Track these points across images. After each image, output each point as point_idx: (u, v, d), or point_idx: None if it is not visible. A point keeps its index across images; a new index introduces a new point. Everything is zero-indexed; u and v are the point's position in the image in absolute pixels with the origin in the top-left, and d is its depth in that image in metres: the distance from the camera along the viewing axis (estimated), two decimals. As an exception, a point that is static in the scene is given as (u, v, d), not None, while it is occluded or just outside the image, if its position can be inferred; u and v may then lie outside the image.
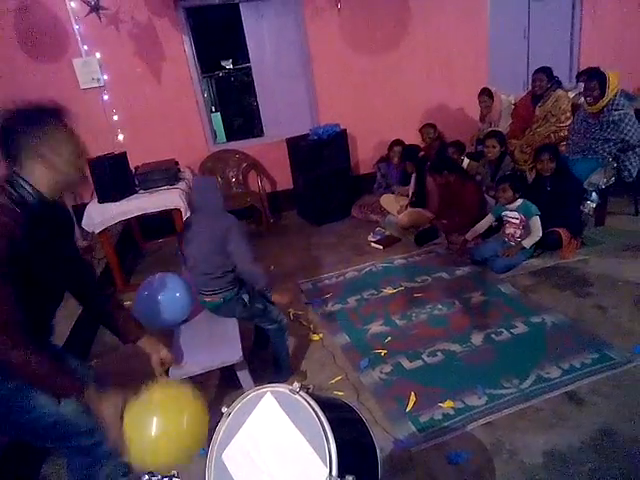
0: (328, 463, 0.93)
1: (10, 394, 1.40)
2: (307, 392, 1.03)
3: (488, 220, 3.70)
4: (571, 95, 4.76)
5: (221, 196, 2.34)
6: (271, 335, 2.52)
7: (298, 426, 0.99)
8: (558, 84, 4.47)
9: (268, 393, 1.05)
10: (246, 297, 2.37)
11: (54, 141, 1.39)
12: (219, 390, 2.60)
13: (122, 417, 1.35)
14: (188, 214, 3.90)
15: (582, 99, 4.08)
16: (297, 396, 1.01)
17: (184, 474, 1.27)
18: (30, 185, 1.37)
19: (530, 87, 4.62)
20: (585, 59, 5.66)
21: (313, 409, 0.98)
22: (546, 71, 4.41)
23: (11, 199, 1.34)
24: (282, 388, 1.04)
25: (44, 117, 1.40)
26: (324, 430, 0.96)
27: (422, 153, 4.67)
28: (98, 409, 1.38)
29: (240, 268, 2.28)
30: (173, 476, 1.19)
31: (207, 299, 2.36)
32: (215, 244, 2.23)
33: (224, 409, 1.10)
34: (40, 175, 1.38)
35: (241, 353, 2.12)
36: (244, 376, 2.20)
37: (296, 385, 1.02)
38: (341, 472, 0.93)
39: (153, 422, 1.31)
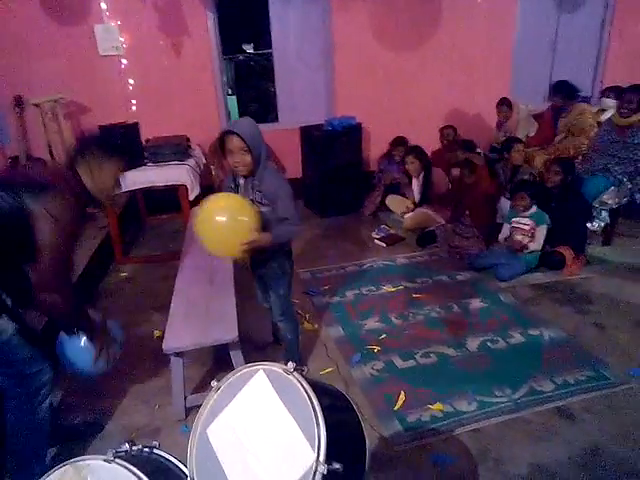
0: (316, 448, 0.90)
1: None
2: (301, 374, 1.00)
3: (506, 230, 3.65)
4: (593, 111, 4.71)
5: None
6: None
7: (288, 407, 0.96)
8: (584, 98, 4.42)
9: (261, 371, 1.02)
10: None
11: (104, 173, 1.77)
12: (211, 370, 2.59)
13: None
14: (195, 191, 3.88)
15: (605, 115, 4.03)
16: (290, 377, 0.98)
17: (165, 446, 1.25)
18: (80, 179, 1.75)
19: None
20: (610, 76, 5.59)
21: (306, 392, 0.96)
22: (560, 88, 4.38)
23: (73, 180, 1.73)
24: (276, 367, 1.01)
25: (111, 154, 1.79)
26: (315, 414, 0.93)
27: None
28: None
29: None
30: (154, 447, 1.17)
31: None
32: None
33: (214, 383, 1.08)
34: (84, 178, 1.75)
35: (237, 333, 2.09)
36: (237, 356, 2.17)
37: (290, 365, 0.99)
38: (328, 459, 0.90)
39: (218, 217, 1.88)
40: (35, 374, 1.76)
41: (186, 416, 2.25)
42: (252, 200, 2.09)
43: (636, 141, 3.66)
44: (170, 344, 2.06)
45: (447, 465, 1.97)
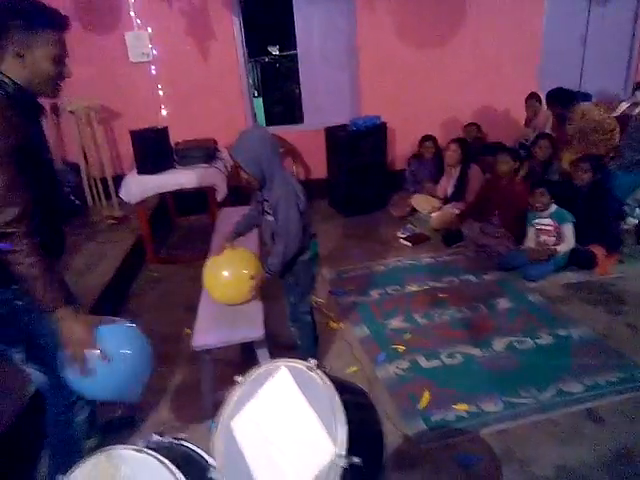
0: (337, 443, 0.93)
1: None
2: (323, 371, 1.03)
3: (531, 234, 3.58)
4: (625, 105, 4.59)
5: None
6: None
7: (310, 402, 1.00)
8: (584, 97, 4.31)
9: (283, 367, 1.06)
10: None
11: (32, 44, 1.39)
12: (239, 368, 2.64)
13: (93, 340, 1.40)
14: (223, 193, 3.97)
15: (638, 109, 3.91)
16: (312, 373, 1.01)
17: (194, 440, 1.30)
18: (7, 77, 1.39)
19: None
20: (644, 70, 5.42)
21: (327, 388, 0.98)
22: (555, 98, 4.32)
23: None
24: (298, 364, 1.04)
25: (39, 18, 1.40)
26: (336, 410, 0.96)
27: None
28: (70, 328, 1.40)
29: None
30: (182, 439, 1.22)
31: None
32: None
33: (238, 378, 1.12)
34: (15, 71, 1.40)
35: (263, 331, 2.14)
36: (263, 354, 2.22)
37: (312, 362, 1.02)
38: (348, 453, 0.93)
39: (224, 269, 2.19)
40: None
41: (215, 412, 2.31)
42: (264, 210, 2.20)
43: None
44: (199, 341, 2.13)
45: (471, 465, 1.97)
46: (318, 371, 1.02)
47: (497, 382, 2.41)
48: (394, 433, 2.13)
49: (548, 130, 4.67)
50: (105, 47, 4.54)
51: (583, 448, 2.01)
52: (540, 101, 4.74)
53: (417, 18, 4.94)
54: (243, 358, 2.65)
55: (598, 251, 3.41)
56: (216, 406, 2.27)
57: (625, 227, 3.74)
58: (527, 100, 4.78)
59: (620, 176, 3.78)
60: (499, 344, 2.71)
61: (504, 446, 2.04)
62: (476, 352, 2.66)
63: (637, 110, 4.31)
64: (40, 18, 1.39)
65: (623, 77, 5.65)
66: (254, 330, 2.14)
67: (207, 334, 2.16)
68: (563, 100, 4.28)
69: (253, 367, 1.16)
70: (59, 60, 1.46)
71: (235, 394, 1.10)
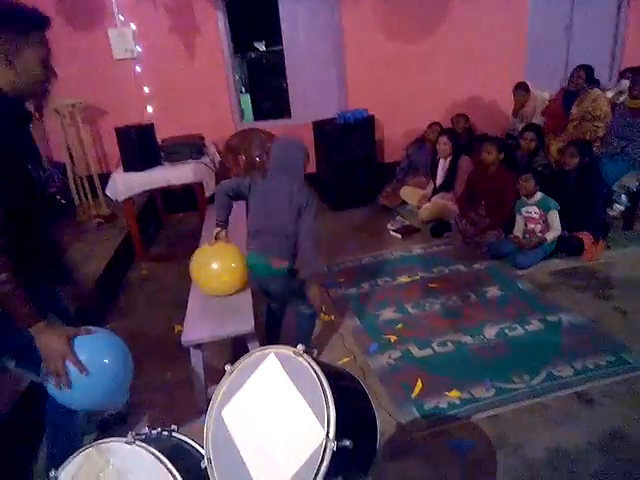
0: (326, 426, 0.93)
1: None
2: (311, 356, 1.03)
3: (520, 222, 3.61)
4: (610, 94, 4.62)
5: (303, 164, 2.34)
6: (302, 319, 2.52)
7: (299, 388, 0.99)
8: (596, 84, 4.35)
9: (272, 354, 1.05)
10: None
11: (23, 47, 1.36)
12: (230, 360, 2.63)
13: (70, 351, 1.34)
14: (211, 189, 3.94)
15: (622, 97, 3.94)
16: (300, 358, 1.01)
17: (183, 429, 1.30)
18: None
19: (566, 83, 4.49)
20: (628, 58, 5.46)
21: (315, 372, 0.98)
22: (587, 69, 4.30)
23: None
24: (286, 349, 1.04)
25: (22, 21, 1.37)
26: (325, 393, 0.96)
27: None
28: (46, 341, 1.34)
29: (301, 238, 2.25)
30: (172, 430, 1.22)
31: (276, 263, 2.27)
32: (295, 209, 2.23)
33: (227, 367, 1.11)
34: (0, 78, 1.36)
35: (253, 324, 2.13)
36: (254, 348, 2.21)
37: (300, 348, 1.02)
38: (338, 436, 0.93)
39: (212, 261, 2.26)
40: None
41: (207, 407, 2.30)
42: None
43: None
44: (188, 336, 2.12)
45: (465, 451, 1.98)
46: (306, 356, 1.01)
47: (489, 368, 2.43)
48: (388, 422, 2.14)
49: (537, 119, 4.69)
50: (88, 44, 4.49)
51: (575, 430, 2.02)
52: (528, 90, 4.76)
53: (402, 12, 4.94)
54: (236, 353, 2.64)
55: (585, 238, 3.44)
56: (209, 400, 2.30)
57: (612, 213, 3.78)
58: (515, 90, 4.79)
59: (606, 163, 3.81)
60: (490, 331, 2.73)
61: (497, 431, 2.06)
62: (467, 340, 2.68)
63: (622, 98, 4.34)
64: (28, 21, 1.37)
65: (608, 66, 5.70)
66: (244, 323, 2.13)
67: (196, 330, 2.15)
68: (591, 74, 4.30)
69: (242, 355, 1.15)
70: (46, 61, 1.43)
71: (224, 383, 1.10)
